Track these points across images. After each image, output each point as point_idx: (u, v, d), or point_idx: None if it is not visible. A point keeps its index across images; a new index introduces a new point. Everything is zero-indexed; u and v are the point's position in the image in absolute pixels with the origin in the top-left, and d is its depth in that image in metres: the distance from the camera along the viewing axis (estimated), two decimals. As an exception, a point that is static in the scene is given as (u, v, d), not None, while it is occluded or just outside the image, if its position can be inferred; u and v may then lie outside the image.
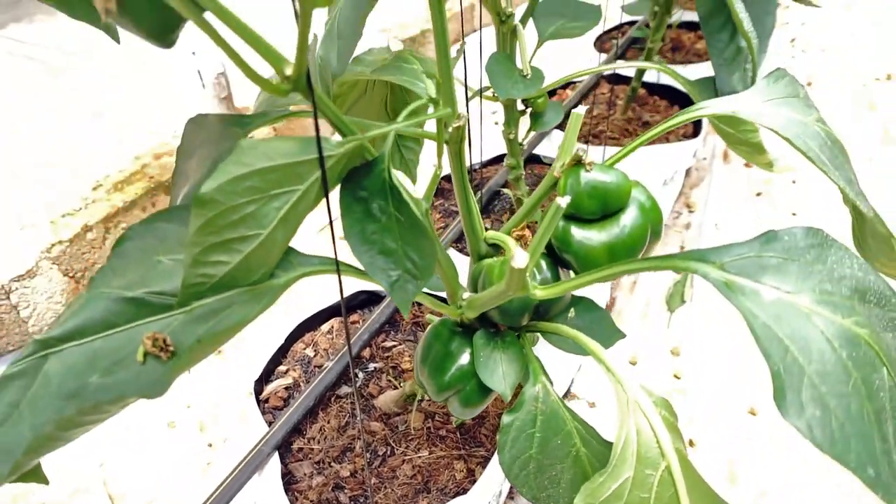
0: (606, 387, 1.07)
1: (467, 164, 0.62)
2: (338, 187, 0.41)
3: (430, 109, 0.55)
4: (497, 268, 0.50)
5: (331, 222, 0.38)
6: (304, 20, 0.27)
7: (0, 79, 1.81)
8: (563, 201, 0.40)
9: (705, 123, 1.34)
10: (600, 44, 1.63)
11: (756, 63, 0.84)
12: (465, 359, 0.53)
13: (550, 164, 1.21)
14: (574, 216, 0.46)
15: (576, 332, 0.46)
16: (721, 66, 0.90)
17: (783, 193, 1.56)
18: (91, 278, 0.40)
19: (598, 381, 1.08)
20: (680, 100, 1.39)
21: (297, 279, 0.41)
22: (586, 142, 1.28)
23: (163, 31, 0.32)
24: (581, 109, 0.48)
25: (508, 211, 1.08)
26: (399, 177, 0.39)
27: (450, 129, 0.44)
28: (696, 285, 1.35)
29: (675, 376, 1.12)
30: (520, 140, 0.91)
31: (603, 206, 0.45)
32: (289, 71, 0.32)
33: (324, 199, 0.38)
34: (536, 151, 1.22)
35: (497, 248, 0.55)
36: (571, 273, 0.49)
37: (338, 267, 0.40)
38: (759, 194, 1.56)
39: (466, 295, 0.52)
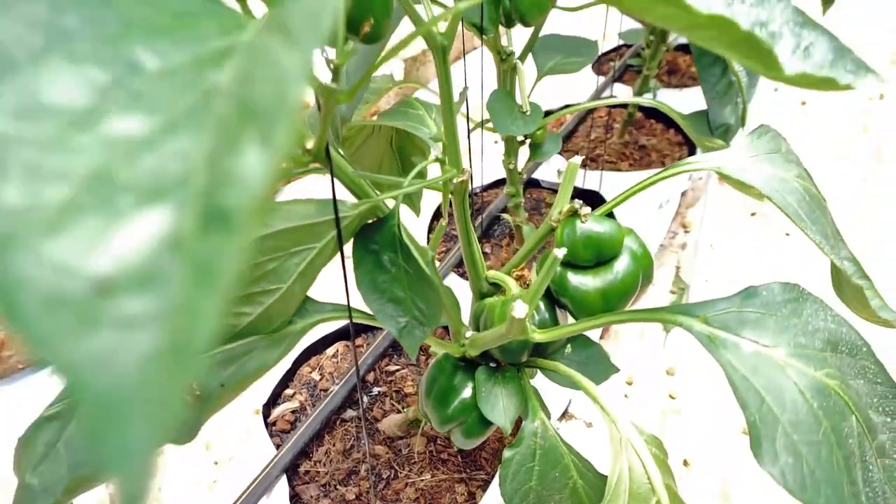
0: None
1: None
2: (351, 240, 0.44)
3: (436, 149, 0.58)
4: (498, 308, 0.53)
5: (344, 274, 0.41)
6: (326, 111, 0.30)
7: None
8: (560, 252, 0.43)
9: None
10: (598, 66, 1.67)
11: (745, 98, 0.88)
12: (467, 393, 0.56)
13: (549, 188, 1.24)
14: (570, 263, 0.49)
15: (572, 371, 0.49)
16: (713, 99, 0.94)
17: (777, 213, 1.59)
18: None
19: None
20: (675, 124, 1.42)
21: (312, 325, 0.44)
22: (584, 165, 1.31)
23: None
24: (577, 159, 0.51)
25: (508, 236, 1.11)
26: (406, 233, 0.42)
27: (454, 182, 0.47)
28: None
29: (670, 396, 1.15)
30: (519, 170, 0.95)
31: (597, 255, 0.48)
32: (310, 145, 0.35)
33: (338, 253, 0.41)
34: (535, 175, 1.25)
35: (498, 286, 0.58)
36: (568, 315, 0.52)
37: (350, 314, 0.43)
38: (753, 214, 1.59)
39: (469, 333, 0.55)
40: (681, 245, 1.51)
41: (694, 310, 0.39)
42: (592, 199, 1.19)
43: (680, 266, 1.44)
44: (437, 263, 0.85)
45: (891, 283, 1.35)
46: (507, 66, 0.83)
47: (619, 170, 1.27)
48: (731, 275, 1.41)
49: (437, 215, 1.20)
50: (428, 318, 0.43)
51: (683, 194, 1.61)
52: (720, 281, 1.39)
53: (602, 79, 1.58)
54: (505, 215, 1.10)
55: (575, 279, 0.49)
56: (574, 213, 0.48)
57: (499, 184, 1.24)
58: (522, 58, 0.88)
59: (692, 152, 1.36)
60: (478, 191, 1.22)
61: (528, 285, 0.56)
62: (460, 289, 0.70)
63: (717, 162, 0.47)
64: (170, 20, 0.15)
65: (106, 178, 0.11)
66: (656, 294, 1.33)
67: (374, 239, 0.43)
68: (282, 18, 0.13)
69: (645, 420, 1.11)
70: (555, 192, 1.23)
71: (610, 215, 1.11)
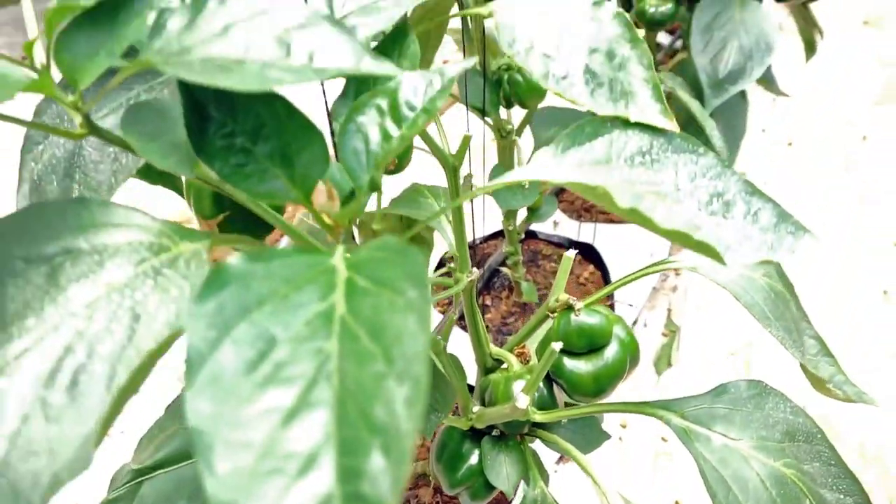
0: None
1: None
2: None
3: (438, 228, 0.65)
4: (501, 385, 0.59)
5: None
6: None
7: None
8: (557, 346, 0.50)
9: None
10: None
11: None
12: (474, 459, 0.62)
13: (545, 240, 1.31)
14: (566, 350, 0.56)
15: (568, 445, 0.55)
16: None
17: (764, 256, 1.66)
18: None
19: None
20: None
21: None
22: (578, 216, 1.38)
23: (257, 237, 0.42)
24: (570, 253, 0.57)
25: (507, 288, 1.17)
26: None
27: (464, 282, 0.53)
28: (681, 346, 1.44)
29: (663, 439, 1.21)
30: (518, 232, 1.02)
31: (589, 343, 0.55)
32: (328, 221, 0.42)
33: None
34: (532, 227, 1.32)
35: (501, 361, 0.65)
36: (564, 392, 0.59)
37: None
38: (741, 257, 1.66)
39: (476, 408, 0.61)
40: (672, 288, 1.57)
41: (672, 405, 0.45)
42: (587, 251, 1.26)
43: (671, 309, 1.51)
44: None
45: (870, 329, 1.41)
46: (506, 142, 0.90)
47: (612, 221, 1.34)
48: (719, 321, 1.47)
49: (442, 262, 1.27)
50: (442, 406, 0.49)
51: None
52: (709, 328, 1.46)
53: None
54: (504, 269, 1.16)
55: (570, 364, 0.55)
56: (569, 307, 0.55)
57: (498, 234, 1.31)
58: (519, 131, 0.95)
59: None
60: (478, 242, 1.29)
61: (527, 361, 0.63)
62: (462, 343, 0.76)
63: (695, 262, 0.54)
64: (284, 288, 0.22)
65: (273, 446, 0.17)
66: (649, 338, 1.40)
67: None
68: (373, 321, 0.20)
69: (638, 462, 1.17)
70: (551, 243, 1.30)
71: (605, 273, 1.16)
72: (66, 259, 0.27)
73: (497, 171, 0.87)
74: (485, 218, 1.26)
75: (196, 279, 0.27)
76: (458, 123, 2.03)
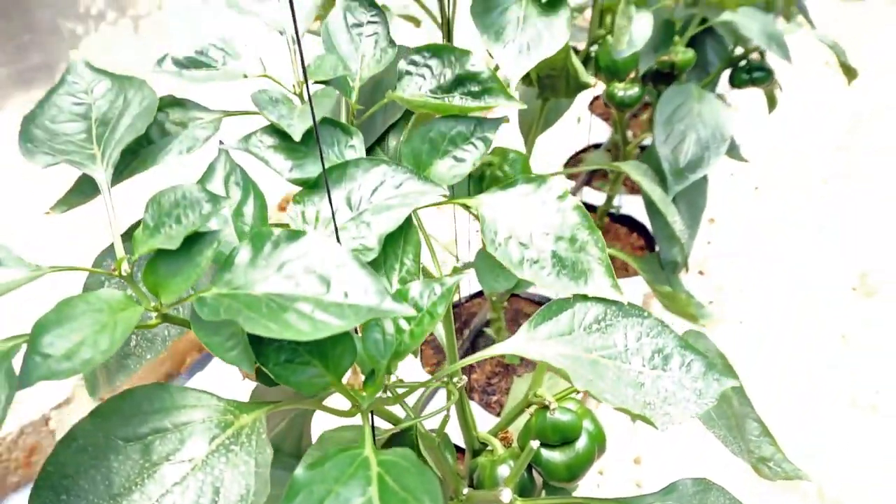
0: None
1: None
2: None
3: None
4: (488, 469, 0.68)
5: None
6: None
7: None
8: (535, 444, 0.59)
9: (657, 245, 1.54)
10: (569, 167, 1.85)
11: (685, 248, 1.05)
12: (464, 533, 0.70)
13: (527, 298, 1.40)
14: (542, 442, 0.64)
15: (546, 525, 0.64)
16: (663, 241, 1.11)
17: (734, 300, 1.76)
18: None
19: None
20: (637, 228, 1.60)
21: None
22: (557, 273, 1.47)
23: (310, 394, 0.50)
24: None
25: (492, 347, 1.26)
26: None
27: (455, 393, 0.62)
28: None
29: (637, 484, 1.30)
30: (500, 301, 1.11)
31: (563, 437, 0.64)
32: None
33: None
34: (514, 285, 1.41)
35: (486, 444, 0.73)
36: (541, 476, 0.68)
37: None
38: (711, 302, 1.76)
39: (466, 490, 0.70)
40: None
41: (631, 502, 0.54)
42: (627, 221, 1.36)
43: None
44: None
45: (829, 374, 1.51)
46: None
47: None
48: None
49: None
50: None
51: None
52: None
53: (572, 183, 1.76)
54: (488, 330, 1.25)
55: (546, 454, 0.64)
56: (545, 407, 0.64)
57: (482, 293, 1.40)
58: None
59: (651, 247, 1.53)
60: (463, 301, 1.38)
61: (510, 444, 0.71)
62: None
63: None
64: (335, 486, 0.31)
65: None
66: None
67: (396, 442, 0.58)
68: None
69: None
70: (533, 301, 1.40)
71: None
72: (155, 438, 0.36)
73: (481, 256, 0.96)
74: (471, 280, 1.35)
75: (259, 455, 0.35)
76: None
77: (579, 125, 1.99)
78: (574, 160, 1.89)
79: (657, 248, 1.14)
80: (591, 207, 1.69)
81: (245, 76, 0.47)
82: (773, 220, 2.06)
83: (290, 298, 0.34)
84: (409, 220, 0.45)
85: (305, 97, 0.49)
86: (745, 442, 0.64)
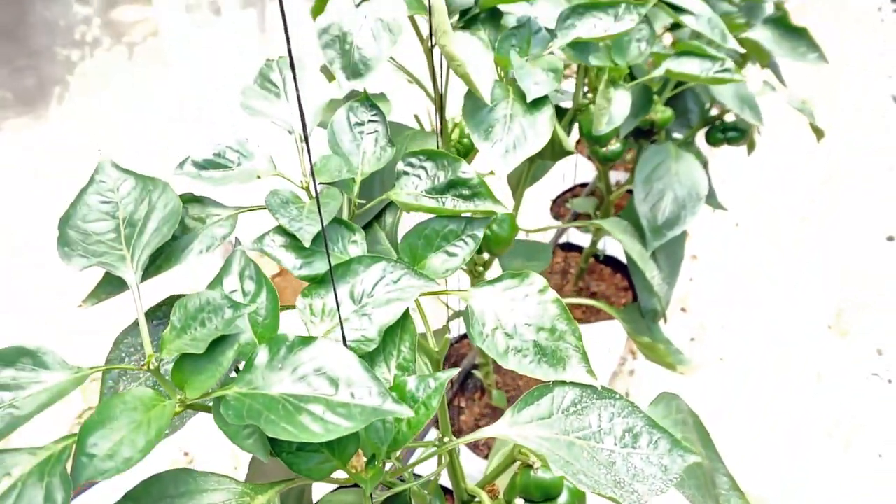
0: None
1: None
2: None
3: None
4: (476, 521, 0.72)
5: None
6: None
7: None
8: (520, 502, 0.64)
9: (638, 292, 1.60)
10: (556, 208, 1.91)
11: (663, 300, 1.11)
12: (453, 582, 0.75)
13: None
14: (526, 499, 0.69)
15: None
16: (643, 291, 1.17)
17: (715, 337, 1.82)
18: None
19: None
20: (622, 269, 1.66)
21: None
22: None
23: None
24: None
25: (479, 389, 1.31)
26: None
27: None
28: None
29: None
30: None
31: (545, 494, 0.68)
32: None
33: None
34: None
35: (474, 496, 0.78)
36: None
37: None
38: (692, 339, 1.82)
39: (456, 541, 0.74)
40: (630, 372, 1.73)
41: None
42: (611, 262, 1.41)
43: (629, 392, 1.66)
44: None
45: (806, 413, 1.57)
46: (477, 278, 1.05)
47: (578, 320, 1.49)
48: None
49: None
50: (429, 556, 0.62)
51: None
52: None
53: (558, 221, 1.82)
54: (476, 372, 1.30)
55: (530, 510, 0.69)
56: (528, 466, 0.69)
57: (471, 334, 1.45)
58: (488, 263, 1.10)
59: (635, 298, 1.59)
60: (453, 342, 1.43)
61: (497, 497, 0.76)
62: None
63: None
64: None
65: None
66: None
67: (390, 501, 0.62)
68: None
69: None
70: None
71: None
72: (182, 520, 0.41)
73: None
74: (460, 323, 1.40)
75: (273, 538, 0.40)
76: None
77: (566, 162, 2.06)
78: (560, 199, 1.95)
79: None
80: (576, 248, 1.75)
81: (258, 177, 0.52)
82: (754, 257, 2.13)
83: (303, 399, 0.39)
84: (406, 312, 0.50)
85: (313, 192, 0.54)
86: (715, 497, 0.69)
